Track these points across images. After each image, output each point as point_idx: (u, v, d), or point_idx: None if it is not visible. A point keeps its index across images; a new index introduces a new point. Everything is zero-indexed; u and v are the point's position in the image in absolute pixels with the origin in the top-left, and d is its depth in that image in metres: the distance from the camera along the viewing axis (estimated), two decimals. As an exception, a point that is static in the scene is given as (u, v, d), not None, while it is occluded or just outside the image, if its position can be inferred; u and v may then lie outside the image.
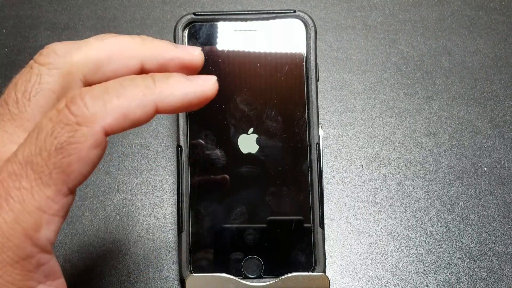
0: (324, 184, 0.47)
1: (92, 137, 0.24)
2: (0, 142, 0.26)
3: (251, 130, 0.44)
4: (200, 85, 0.27)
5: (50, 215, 0.24)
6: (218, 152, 0.43)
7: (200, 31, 0.44)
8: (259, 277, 0.42)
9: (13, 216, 0.24)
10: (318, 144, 0.43)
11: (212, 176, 0.42)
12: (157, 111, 0.26)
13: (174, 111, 0.26)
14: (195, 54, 0.28)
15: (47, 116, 0.25)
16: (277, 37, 0.45)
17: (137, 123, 0.25)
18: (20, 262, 0.24)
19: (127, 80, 0.26)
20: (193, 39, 0.44)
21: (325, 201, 0.44)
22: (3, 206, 0.24)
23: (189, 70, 0.28)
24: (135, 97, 0.25)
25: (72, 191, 0.25)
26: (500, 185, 0.48)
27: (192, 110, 0.28)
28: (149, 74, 0.26)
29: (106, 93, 0.25)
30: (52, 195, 0.24)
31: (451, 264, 0.45)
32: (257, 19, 0.45)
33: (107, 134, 0.25)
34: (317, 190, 0.43)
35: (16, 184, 0.24)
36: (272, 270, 0.42)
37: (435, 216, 0.47)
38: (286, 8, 0.46)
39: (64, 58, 0.27)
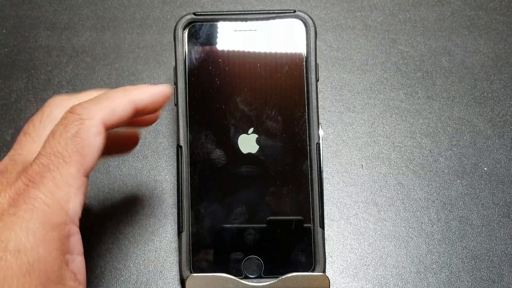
0: (324, 184, 0.47)
1: (95, 127, 0.32)
2: (23, 147, 0.35)
3: (251, 130, 0.44)
4: (160, 87, 0.36)
5: (75, 189, 0.31)
6: (218, 152, 0.43)
7: (200, 31, 0.44)
8: (259, 277, 0.42)
9: (49, 191, 0.31)
10: (318, 144, 0.43)
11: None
12: (136, 109, 0.35)
13: (147, 107, 0.36)
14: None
15: (57, 123, 0.33)
16: (277, 37, 0.45)
17: (123, 118, 0.34)
18: (58, 227, 0.30)
19: (109, 91, 0.35)
20: (193, 39, 0.44)
21: (325, 201, 0.44)
22: (40, 186, 0.31)
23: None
24: (117, 98, 0.34)
25: (86, 173, 0.32)
26: (500, 185, 0.48)
27: (159, 109, 0.37)
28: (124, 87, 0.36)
29: (97, 99, 0.34)
30: (74, 173, 0.31)
31: (451, 264, 0.45)
32: (257, 19, 0.45)
33: (105, 126, 0.33)
34: (317, 190, 0.43)
35: (46, 169, 0.31)
36: (272, 270, 0.42)
37: (435, 216, 0.47)
38: (286, 8, 0.46)
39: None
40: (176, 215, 0.44)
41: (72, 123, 0.32)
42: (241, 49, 0.45)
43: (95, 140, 0.32)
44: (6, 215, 0.30)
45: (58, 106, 0.37)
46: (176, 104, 0.43)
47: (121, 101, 0.34)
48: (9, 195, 0.31)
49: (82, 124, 0.32)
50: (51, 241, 0.30)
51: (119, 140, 0.42)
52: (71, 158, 0.31)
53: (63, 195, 0.31)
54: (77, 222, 0.32)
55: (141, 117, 0.38)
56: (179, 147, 0.43)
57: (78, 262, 0.32)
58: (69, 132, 0.32)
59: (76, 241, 0.32)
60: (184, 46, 0.44)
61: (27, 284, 0.29)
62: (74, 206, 0.31)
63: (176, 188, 0.44)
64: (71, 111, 0.33)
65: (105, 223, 0.46)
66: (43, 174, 0.31)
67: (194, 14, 0.44)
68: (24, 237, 0.29)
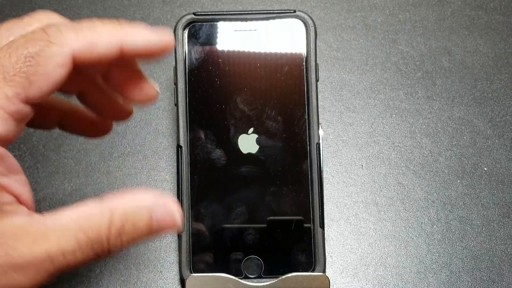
0: (324, 184, 0.46)
1: (60, 56, 0.27)
2: None
3: (251, 130, 0.44)
4: (160, 35, 0.30)
5: (6, 113, 0.27)
6: (218, 152, 0.43)
7: (200, 31, 0.44)
8: (259, 277, 0.42)
9: None
10: (318, 144, 0.43)
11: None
12: (122, 51, 0.29)
13: (137, 54, 0.30)
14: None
15: (22, 35, 0.28)
16: (277, 37, 0.45)
17: (103, 57, 0.29)
18: None
19: (97, 21, 0.29)
20: (193, 39, 0.44)
21: (325, 201, 0.44)
22: None
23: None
24: (103, 32, 0.29)
25: (29, 102, 0.28)
26: (500, 185, 0.48)
27: (153, 60, 0.31)
28: (117, 21, 0.30)
29: (79, 26, 0.28)
30: (10, 95, 0.27)
31: (451, 264, 0.45)
32: (257, 19, 0.45)
33: (74, 60, 0.28)
34: (317, 190, 0.43)
35: None
36: (272, 270, 0.42)
37: (435, 216, 0.47)
38: (286, 8, 0.46)
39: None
40: (176, 215, 0.44)
41: (37, 41, 0.27)
42: (241, 49, 0.45)
43: (54, 70, 0.27)
44: None
45: (40, 22, 0.31)
46: (176, 104, 0.43)
47: (107, 35, 0.29)
48: None
49: (47, 47, 0.27)
50: None
51: (89, 120, 0.36)
52: (13, 79, 0.27)
53: None
54: (5, 144, 0.28)
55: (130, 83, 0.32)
56: (179, 147, 0.43)
57: (17, 181, 0.29)
58: (27, 50, 0.27)
59: (11, 162, 0.28)
60: (184, 46, 0.44)
61: None
62: (2, 129, 0.27)
63: (176, 188, 0.44)
64: (43, 28, 0.28)
65: (105, 223, 0.46)
66: None
67: (194, 14, 0.44)
68: None
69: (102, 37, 0.29)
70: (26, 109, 0.28)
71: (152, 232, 0.29)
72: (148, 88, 0.32)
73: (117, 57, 0.29)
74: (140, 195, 0.29)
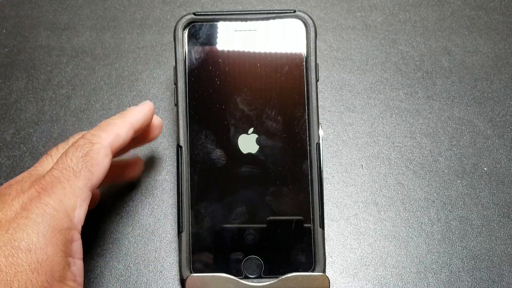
0: (324, 184, 0.47)
1: (103, 149, 0.37)
2: (41, 165, 0.39)
3: (251, 130, 0.44)
4: (145, 104, 0.42)
5: (81, 200, 0.35)
6: (218, 152, 0.43)
7: (200, 31, 0.44)
8: (259, 277, 0.42)
9: (58, 199, 0.34)
10: (318, 144, 0.43)
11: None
12: (134, 130, 0.40)
13: (142, 126, 0.41)
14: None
15: (69, 146, 0.37)
16: (277, 37, 0.45)
17: (126, 140, 0.39)
18: (64, 231, 0.34)
19: (109, 119, 0.40)
20: (193, 39, 0.44)
21: (325, 201, 0.44)
22: (51, 194, 0.34)
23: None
24: (119, 124, 0.39)
25: (92, 188, 0.36)
26: (500, 185, 0.48)
27: (149, 124, 0.42)
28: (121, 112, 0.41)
29: (102, 127, 0.39)
30: (82, 186, 0.35)
31: (451, 264, 0.45)
32: (257, 19, 0.45)
33: (112, 148, 0.38)
34: (317, 190, 0.43)
35: (57, 180, 0.35)
36: (272, 270, 0.42)
37: (435, 216, 0.47)
38: (286, 8, 0.46)
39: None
40: (176, 215, 0.44)
41: (84, 145, 0.37)
42: (241, 49, 0.45)
43: (103, 160, 0.37)
44: (19, 217, 0.33)
45: (74, 139, 0.41)
46: (176, 104, 0.43)
47: (123, 126, 0.39)
48: (22, 200, 0.34)
49: (93, 146, 0.37)
50: (57, 243, 0.33)
51: (124, 166, 0.46)
52: (81, 173, 0.36)
53: (70, 203, 0.35)
54: (80, 230, 0.35)
55: (141, 136, 0.43)
56: (179, 147, 0.43)
57: (78, 265, 0.35)
58: (81, 152, 0.36)
59: (78, 247, 0.35)
60: (184, 46, 0.44)
61: (34, 280, 0.32)
62: (79, 214, 0.35)
63: (176, 188, 0.44)
64: (82, 137, 0.38)
65: (105, 223, 0.46)
66: (54, 184, 0.35)
67: (194, 14, 0.44)
68: (35, 237, 0.33)
69: (120, 128, 0.39)
70: (91, 194, 0.36)
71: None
72: (152, 134, 0.44)
73: (133, 136, 0.40)
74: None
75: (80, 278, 0.35)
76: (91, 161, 0.36)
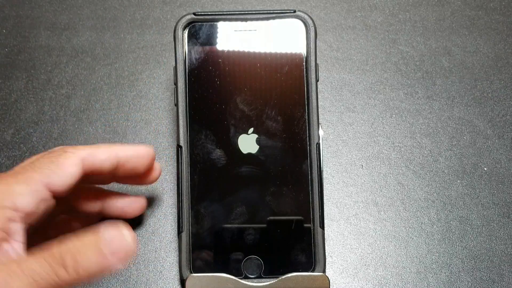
0: (324, 184, 0.46)
1: (72, 158, 0.38)
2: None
3: (251, 130, 0.44)
4: (143, 147, 0.41)
5: (31, 190, 0.35)
6: (218, 152, 0.43)
7: (200, 31, 0.44)
8: (259, 277, 0.42)
9: (6, 183, 0.35)
10: (318, 144, 0.43)
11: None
12: (118, 160, 0.40)
13: (130, 163, 0.40)
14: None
15: (46, 152, 0.38)
16: (277, 37, 0.45)
17: (104, 164, 0.39)
18: (4, 208, 0.34)
19: (97, 144, 0.41)
20: (193, 39, 0.44)
21: (325, 201, 0.44)
22: (2, 180, 0.36)
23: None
24: (101, 147, 0.40)
25: (51, 189, 0.36)
26: (500, 185, 0.48)
27: (145, 169, 0.42)
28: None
29: (85, 146, 0.39)
30: (37, 179, 0.36)
31: (451, 264, 0.45)
32: (257, 19, 0.45)
33: (84, 162, 0.38)
34: (317, 190, 0.43)
35: (14, 172, 0.36)
36: (272, 270, 0.42)
37: (435, 216, 0.47)
38: (286, 8, 0.46)
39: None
40: (176, 215, 0.44)
41: (57, 151, 0.38)
42: (241, 49, 0.45)
43: (70, 167, 0.37)
44: None
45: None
46: (176, 104, 0.43)
47: (104, 149, 0.39)
48: None
49: (64, 153, 0.38)
50: None
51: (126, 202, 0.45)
52: (41, 169, 0.36)
53: (18, 189, 0.35)
54: (24, 215, 0.35)
55: (140, 177, 0.42)
56: (179, 147, 0.43)
57: (15, 247, 0.35)
58: (52, 156, 0.37)
59: (17, 228, 0.35)
60: (184, 46, 0.44)
61: None
62: (26, 200, 0.35)
63: (176, 188, 0.44)
64: (61, 147, 0.39)
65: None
66: (10, 174, 0.36)
67: (194, 14, 0.44)
68: None
69: (101, 151, 0.39)
70: (47, 195, 0.36)
71: (106, 259, 0.32)
72: (152, 177, 0.43)
73: (116, 166, 0.39)
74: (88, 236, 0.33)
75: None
76: (56, 162, 0.37)
